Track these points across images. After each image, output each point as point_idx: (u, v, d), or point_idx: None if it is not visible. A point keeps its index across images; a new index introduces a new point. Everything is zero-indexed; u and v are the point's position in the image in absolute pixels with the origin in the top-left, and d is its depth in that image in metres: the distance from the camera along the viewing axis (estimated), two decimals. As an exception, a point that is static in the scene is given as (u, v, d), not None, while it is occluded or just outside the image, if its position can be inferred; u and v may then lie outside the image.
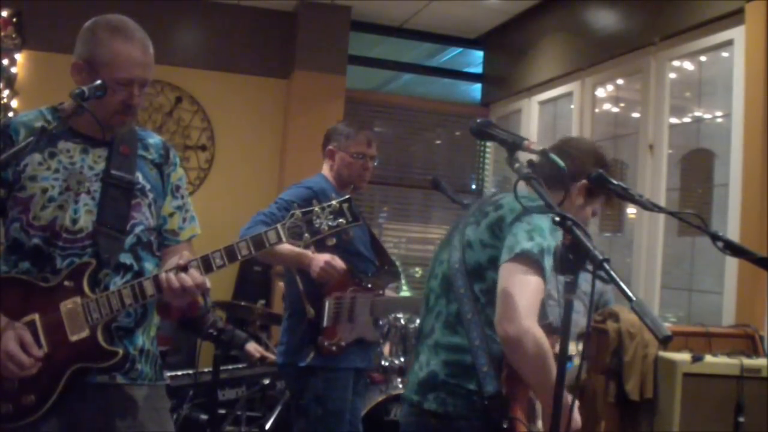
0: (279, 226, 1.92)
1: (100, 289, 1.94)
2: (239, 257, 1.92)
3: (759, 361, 3.10)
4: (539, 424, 2.05)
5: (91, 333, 1.90)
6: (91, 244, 1.95)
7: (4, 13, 5.61)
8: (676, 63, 4.62)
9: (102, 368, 1.92)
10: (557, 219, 1.59)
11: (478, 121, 1.89)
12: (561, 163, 1.76)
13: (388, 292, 3.43)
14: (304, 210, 1.92)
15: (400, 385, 3.88)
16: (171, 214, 2.14)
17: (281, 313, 3.44)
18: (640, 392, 3.13)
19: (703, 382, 3.03)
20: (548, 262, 1.88)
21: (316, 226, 1.91)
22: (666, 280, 4.57)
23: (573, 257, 1.55)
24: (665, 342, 1.41)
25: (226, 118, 6.28)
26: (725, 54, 4.23)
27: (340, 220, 1.92)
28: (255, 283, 5.86)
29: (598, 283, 1.53)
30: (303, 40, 6.24)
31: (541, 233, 1.92)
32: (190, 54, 6.25)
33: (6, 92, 5.64)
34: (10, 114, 5.40)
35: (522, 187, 1.75)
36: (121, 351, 1.92)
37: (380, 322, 3.59)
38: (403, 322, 4.08)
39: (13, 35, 5.65)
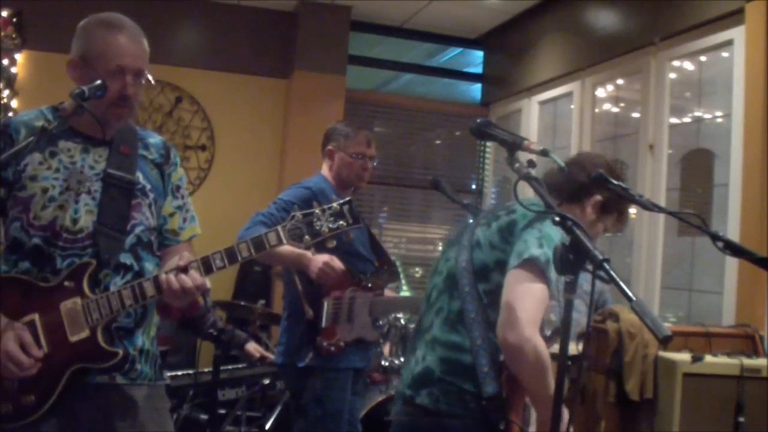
0: (279, 227, 1.92)
1: (100, 290, 1.94)
2: (240, 259, 1.92)
3: (759, 361, 3.09)
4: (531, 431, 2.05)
5: (91, 333, 1.89)
6: (91, 244, 1.95)
7: (4, 13, 5.62)
8: (676, 63, 4.61)
9: (102, 368, 1.92)
10: (557, 219, 1.60)
11: (478, 121, 1.90)
12: (561, 162, 1.77)
13: (388, 292, 3.43)
14: (304, 212, 1.92)
15: (400, 386, 3.88)
16: (171, 214, 2.14)
17: (281, 313, 3.44)
18: (640, 392, 3.13)
19: (703, 382, 3.03)
20: (553, 274, 1.88)
21: (317, 228, 1.90)
22: (666, 280, 4.56)
23: (573, 257, 1.56)
24: (665, 342, 1.41)
25: (226, 118, 6.28)
26: (725, 54, 4.22)
27: (341, 222, 1.91)
28: (255, 283, 5.86)
29: (598, 283, 1.53)
30: (303, 40, 6.24)
31: (550, 243, 1.92)
32: (190, 54, 6.24)
33: (6, 92, 5.65)
34: (10, 114, 5.40)
35: (530, 194, 1.76)
36: (121, 351, 1.92)
37: (379, 322, 3.59)
38: (402, 322, 4.08)
39: (13, 35, 5.65)
